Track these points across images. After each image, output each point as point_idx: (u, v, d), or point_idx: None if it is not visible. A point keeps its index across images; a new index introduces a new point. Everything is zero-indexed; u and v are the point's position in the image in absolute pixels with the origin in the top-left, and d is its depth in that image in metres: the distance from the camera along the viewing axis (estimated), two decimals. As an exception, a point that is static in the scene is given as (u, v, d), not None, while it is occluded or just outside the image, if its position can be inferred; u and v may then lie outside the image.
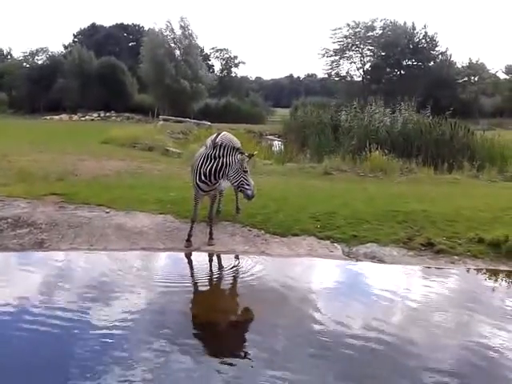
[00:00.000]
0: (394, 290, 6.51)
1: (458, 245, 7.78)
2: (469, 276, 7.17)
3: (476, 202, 10.28)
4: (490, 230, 8.10)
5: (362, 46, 59.49)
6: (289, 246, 7.91)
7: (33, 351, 4.82)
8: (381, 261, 7.46)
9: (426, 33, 57.01)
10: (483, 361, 4.75)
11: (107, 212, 9.00)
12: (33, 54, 56.12)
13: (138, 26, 69.23)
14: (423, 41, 57.22)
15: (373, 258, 7.55)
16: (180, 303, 6.20)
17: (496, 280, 7.06)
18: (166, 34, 48.48)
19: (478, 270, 7.25)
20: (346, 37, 59.14)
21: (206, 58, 61.94)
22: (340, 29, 59.04)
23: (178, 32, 48.51)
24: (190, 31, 48.64)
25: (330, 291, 6.49)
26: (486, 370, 4.61)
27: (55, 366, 4.58)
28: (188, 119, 37.15)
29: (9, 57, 62.58)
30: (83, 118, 45.53)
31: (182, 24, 48.51)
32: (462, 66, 58.87)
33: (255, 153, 7.63)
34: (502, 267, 7.29)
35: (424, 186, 12.59)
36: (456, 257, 7.51)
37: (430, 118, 19.54)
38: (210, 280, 7.08)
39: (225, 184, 8.26)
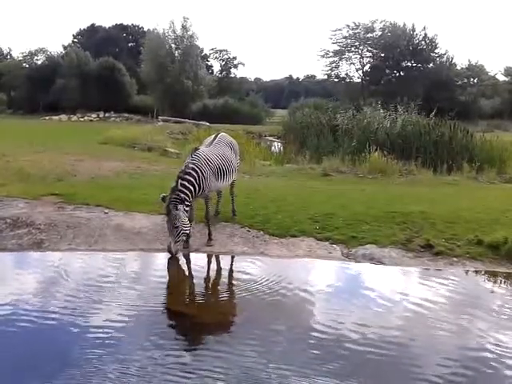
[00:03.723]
0: (392, 291, 6.50)
1: (457, 246, 7.77)
2: (468, 278, 7.16)
3: (475, 203, 10.28)
4: (489, 231, 8.10)
5: (361, 48, 59.47)
6: (288, 247, 7.90)
7: (27, 351, 4.81)
8: (380, 262, 7.45)
9: (425, 34, 57.03)
10: (482, 363, 4.74)
11: (106, 212, 8.99)
12: (32, 55, 56.13)
13: (138, 26, 69.32)
14: (423, 42, 57.20)
15: (372, 259, 7.54)
16: (177, 304, 6.21)
17: (495, 282, 7.05)
18: (167, 34, 48.58)
19: (477, 272, 7.25)
20: (345, 38, 59.14)
21: (206, 58, 61.95)
22: (340, 30, 59.07)
23: (180, 32, 48.58)
24: (191, 32, 48.77)
25: (328, 292, 6.48)
26: (484, 373, 4.60)
27: (49, 366, 4.55)
28: (187, 120, 37.23)
29: (8, 57, 62.56)
30: (82, 119, 45.55)
31: (184, 24, 48.59)
32: (462, 68, 58.96)
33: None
34: (501, 269, 7.28)
35: (423, 188, 12.59)
36: (455, 258, 7.51)
37: (433, 119, 19.56)
38: (208, 281, 7.08)
39: (221, 185, 8.26)
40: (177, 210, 7.13)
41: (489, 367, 4.68)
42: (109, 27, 68.62)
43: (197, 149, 8.05)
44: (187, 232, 7.40)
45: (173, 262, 7.48)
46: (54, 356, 4.77)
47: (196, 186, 7.49)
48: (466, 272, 7.24)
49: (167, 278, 7.03)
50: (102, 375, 4.37)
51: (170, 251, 7.27)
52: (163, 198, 7.28)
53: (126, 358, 4.67)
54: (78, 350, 4.80)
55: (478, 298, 6.48)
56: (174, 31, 48.68)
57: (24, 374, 4.43)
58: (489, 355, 4.88)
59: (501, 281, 7.07)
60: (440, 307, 6.01)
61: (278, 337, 5.20)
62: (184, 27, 48.50)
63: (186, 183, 7.37)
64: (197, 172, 7.53)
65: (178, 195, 7.26)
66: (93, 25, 69.23)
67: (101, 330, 5.19)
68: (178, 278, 7.07)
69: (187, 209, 7.35)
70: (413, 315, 5.80)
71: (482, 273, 7.24)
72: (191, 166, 7.55)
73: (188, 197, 7.35)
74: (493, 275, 7.16)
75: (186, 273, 7.37)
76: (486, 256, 7.53)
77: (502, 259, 7.46)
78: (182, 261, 7.64)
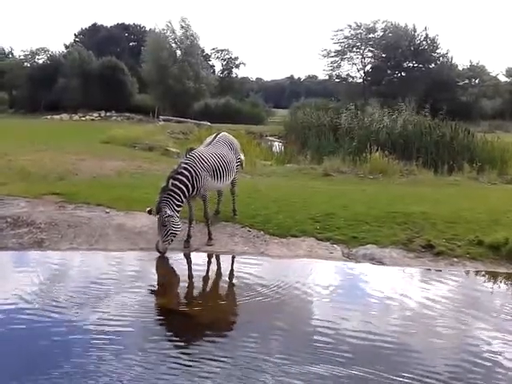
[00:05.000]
0: (393, 291, 6.51)
1: (458, 247, 7.78)
2: (468, 278, 7.17)
3: (476, 204, 10.28)
4: (490, 232, 8.10)
5: (363, 48, 59.43)
6: (288, 247, 7.91)
7: (26, 350, 4.82)
8: (380, 262, 7.46)
9: (427, 35, 56.97)
10: (483, 363, 4.74)
11: (107, 212, 9.00)
12: (33, 54, 56.11)
13: (139, 26, 69.30)
14: (424, 43, 57.15)
15: (372, 259, 7.55)
16: (177, 304, 6.23)
17: (495, 282, 7.06)
18: (167, 34, 48.55)
19: (478, 273, 7.25)
20: (347, 38, 59.09)
21: (207, 58, 61.92)
22: (341, 30, 59.04)
23: (179, 32, 48.62)
24: (191, 32, 48.74)
25: (329, 293, 6.47)
26: (484, 374, 4.60)
27: (49, 363, 4.57)
28: (188, 119, 37.25)
29: (10, 56, 62.56)
30: (84, 118, 45.46)
31: (183, 24, 48.61)
32: (463, 69, 58.92)
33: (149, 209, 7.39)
34: (502, 269, 7.29)
35: (424, 188, 12.59)
36: (455, 259, 7.51)
37: (429, 118, 19.58)
38: (208, 280, 7.09)
39: (219, 184, 8.26)
40: (166, 209, 7.14)
41: (489, 367, 4.69)
42: (110, 26, 68.66)
43: (192, 149, 8.05)
44: (177, 232, 7.39)
45: (172, 261, 7.52)
46: (54, 353, 4.77)
47: (189, 185, 7.49)
48: (467, 272, 7.25)
49: (167, 277, 7.05)
50: (103, 372, 4.39)
51: (157, 249, 7.30)
52: (149, 211, 7.32)
53: (129, 350, 4.73)
54: (79, 348, 4.82)
55: (479, 299, 6.49)
56: (172, 31, 48.70)
57: (25, 371, 4.44)
58: (490, 355, 4.89)
59: (501, 281, 7.08)
60: (441, 307, 6.01)
61: (279, 334, 5.25)
62: (183, 27, 48.53)
63: (178, 183, 7.38)
64: (190, 172, 7.53)
65: (169, 194, 7.28)
66: (94, 24, 69.24)
67: (102, 329, 5.20)
68: (177, 278, 7.08)
69: (178, 209, 7.36)
70: (414, 315, 5.81)
71: (483, 273, 7.24)
72: (183, 165, 7.57)
73: (179, 196, 7.36)
74: (493, 276, 7.16)
75: (186, 272, 7.38)
76: (486, 256, 7.53)
77: (503, 260, 7.47)
78: (181, 260, 7.67)
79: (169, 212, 7.14)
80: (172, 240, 7.37)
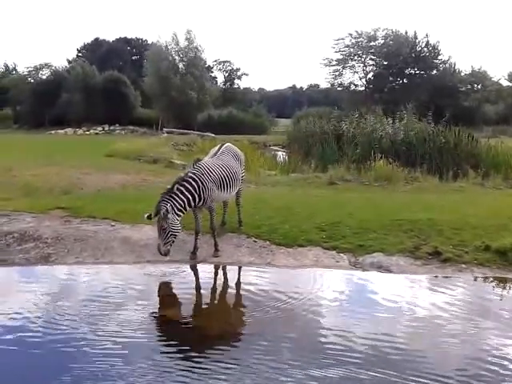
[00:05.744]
0: (401, 299, 6.48)
1: (465, 253, 7.74)
2: (476, 284, 7.12)
3: (482, 209, 10.24)
4: (497, 237, 8.06)
5: (364, 56, 59.65)
6: (295, 256, 7.89)
7: (35, 363, 4.84)
8: (387, 270, 7.43)
9: (428, 41, 57.25)
10: (493, 370, 4.69)
11: (113, 225, 9.01)
12: (37, 69, 56.64)
13: (141, 39, 69.97)
14: (425, 49, 57.39)
15: (379, 267, 7.52)
16: (184, 315, 6.21)
17: (504, 288, 7.02)
18: (170, 46, 49.00)
19: (485, 279, 7.21)
20: (348, 47, 59.40)
21: (209, 70, 62.30)
22: (342, 39, 59.37)
23: (184, 44, 49.03)
24: (195, 44, 49.19)
25: (336, 302, 6.45)
26: (494, 378, 4.56)
27: (56, 379, 4.55)
28: (192, 131, 37.42)
29: (14, 72, 63.15)
30: (88, 132, 45.81)
31: (188, 37, 49.03)
32: (465, 74, 58.99)
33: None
34: (510, 275, 7.24)
35: (429, 195, 12.56)
36: (463, 265, 7.47)
37: (432, 124, 19.57)
38: (215, 291, 7.08)
39: (225, 195, 8.26)
40: (166, 211, 7.08)
41: (500, 370, 4.65)
42: (112, 41, 69.28)
43: (199, 160, 8.06)
44: (177, 233, 7.27)
45: (179, 273, 7.52)
46: (61, 369, 4.76)
47: (195, 195, 7.48)
48: (475, 278, 7.20)
49: (174, 289, 7.04)
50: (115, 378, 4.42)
51: (159, 252, 7.23)
52: (149, 216, 7.23)
53: (136, 366, 4.69)
54: (87, 362, 4.79)
55: (488, 305, 6.45)
56: (177, 43, 49.12)
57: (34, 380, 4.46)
58: (500, 359, 4.86)
59: (509, 287, 7.04)
60: (450, 313, 5.98)
61: (285, 348, 5.22)
62: (188, 39, 48.97)
63: (183, 189, 7.35)
64: (196, 182, 7.51)
65: (171, 196, 7.24)
66: (97, 39, 69.91)
67: (109, 342, 5.18)
68: (184, 289, 7.05)
69: (179, 213, 7.27)
70: (422, 324, 5.77)
71: (491, 279, 7.20)
72: (190, 175, 7.56)
73: (184, 203, 7.32)
74: (501, 281, 7.12)
75: (194, 284, 7.37)
76: (493, 262, 7.49)
77: (510, 265, 7.42)
78: (188, 271, 7.66)
79: (166, 213, 7.05)
80: (173, 241, 7.25)
